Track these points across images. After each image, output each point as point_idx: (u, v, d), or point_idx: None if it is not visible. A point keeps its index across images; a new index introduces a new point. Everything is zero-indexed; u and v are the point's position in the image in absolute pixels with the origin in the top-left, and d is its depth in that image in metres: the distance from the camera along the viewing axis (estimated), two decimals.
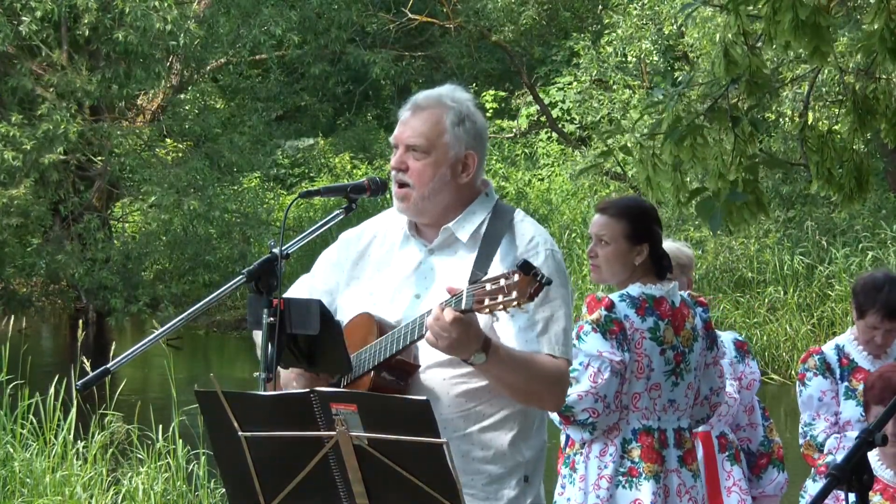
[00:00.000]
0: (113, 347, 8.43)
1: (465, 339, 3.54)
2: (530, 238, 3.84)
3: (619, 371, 5.00)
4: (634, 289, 5.10)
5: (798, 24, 4.38)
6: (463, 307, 3.49)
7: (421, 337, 3.63)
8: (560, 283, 3.81)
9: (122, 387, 8.13)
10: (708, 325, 5.21)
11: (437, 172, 3.84)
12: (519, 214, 3.92)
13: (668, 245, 5.58)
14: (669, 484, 5.06)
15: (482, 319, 3.71)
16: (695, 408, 5.18)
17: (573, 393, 4.97)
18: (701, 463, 5.44)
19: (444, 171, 3.85)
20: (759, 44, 4.82)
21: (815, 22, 4.41)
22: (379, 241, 4.02)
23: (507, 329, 3.76)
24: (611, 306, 5.04)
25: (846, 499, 2.92)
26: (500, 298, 3.42)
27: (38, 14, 19.64)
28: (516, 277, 3.40)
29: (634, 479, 5.05)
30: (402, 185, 3.86)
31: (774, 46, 4.60)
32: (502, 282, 3.43)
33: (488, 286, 3.45)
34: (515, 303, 3.40)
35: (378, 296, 3.91)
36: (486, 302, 3.44)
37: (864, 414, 5.35)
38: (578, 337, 5.04)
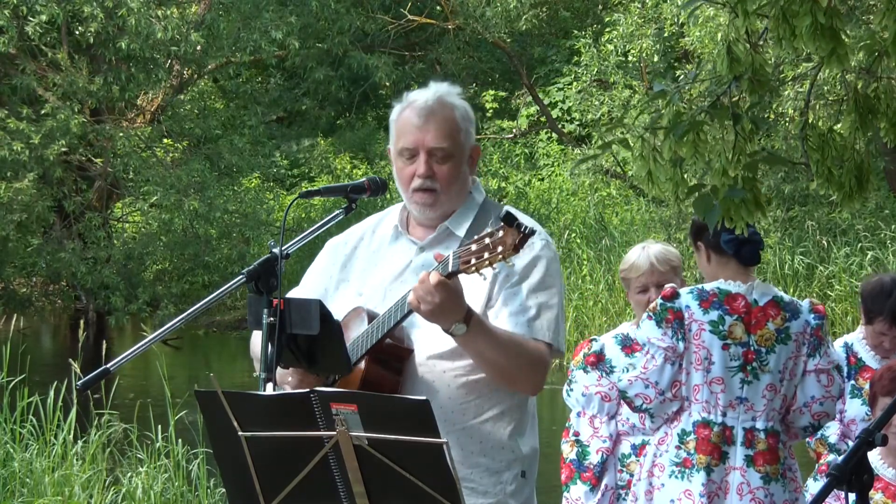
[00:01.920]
0: (104, 348, 8.40)
1: (448, 305, 3.56)
2: None
3: (672, 359, 5.09)
4: (712, 284, 5.17)
5: (817, 27, 4.38)
6: (450, 269, 3.51)
7: (409, 313, 3.64)
8: (555, 273, 3.86)
9: (119, 387, 8.13)
10: (816, 331, 5.16)
11: (460, 171, 3.89)
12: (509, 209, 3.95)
13: (655, 248, 5.62)
14: (731, 480, 5.09)
15: (477, 303, 3.73)
16: (793, 415, 5.16)
17: (625, 378, 5.14)
18: None
19: (464, 168, 3.91)
20: (762, 41, 4.82)
21: (833, 26, 4.41)
22: (366, 243, 4.04)
23: (500, 312, 3.79)
24: (671, 296, 5.13)
25: (846, 499, 2.92)
26: (486, 255, 3.44)
27: (44, 17, 19.69)
28: (500, 233, 3.42)
29: (687, 470, 5.12)
30: (428, 190, 3.87)
31: (784, 48, 4.59)
32: (487, 240, 3.45)
33: (473, 246, 3.47)
34: (501, 257, 3.42)
35: (368, 296, 3.92)
36: (473, 262, 3.46)
37: (870, 408, 5.36)
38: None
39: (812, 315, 5.18)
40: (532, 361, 3.78)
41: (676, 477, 5.13)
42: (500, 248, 3.42)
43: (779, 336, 5.12)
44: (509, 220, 3.40)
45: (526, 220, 3.90)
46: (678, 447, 5.14)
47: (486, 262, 3.44)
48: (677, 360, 5.11)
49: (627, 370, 5.14)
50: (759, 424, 5.12)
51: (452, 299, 3.56)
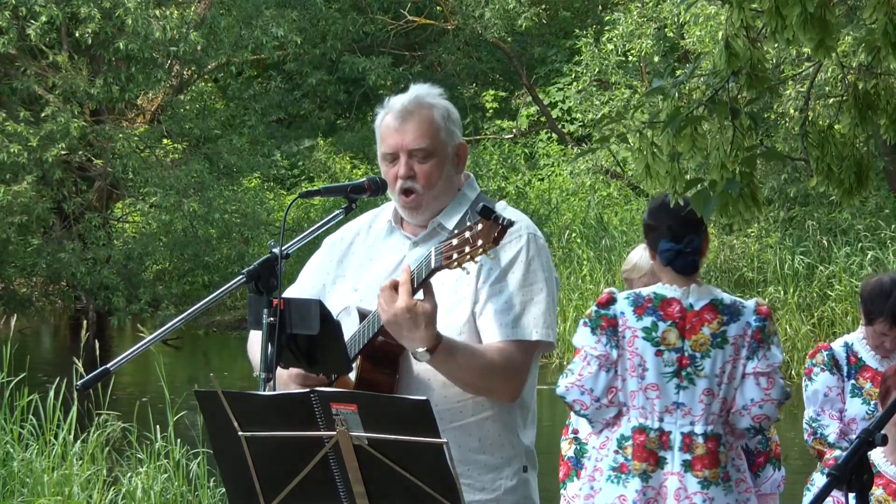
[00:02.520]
0: (103, 348, 8.39)
1: (411, 325, 3.56)
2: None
3: (606, 366, 5.09)
4: (649, 288, 5.17)
5: (806, 17, 4.38)
6: (433, 265, 3.52)
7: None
8: (541, 268, 3.84)
9: (116, 386, 8.13)
10: (756, 333, 5.13)
11: (442, 171, 3.88)
12: (501, 205, 3.94)
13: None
14: (669, 486, 5.08)
15: (465, 304, 3.72)
16: (733, 417, 5.14)
17: (562, 384, 5.14)
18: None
19: (447, 166, 3.90)
20: (761, 37, 4.83)
21: (822, 16, 4.41)
22: (362, 238, 4.05)
23: (485, 310, 3.77)
24: (606, 303, 5.12)
25: (846, 499, 2.92)
26: (467, 249, 3.44)
27: (43, 19, 19.71)
28: (479, 226, 3.42)
29: (623, 476, 5.11)
30: (410, 191, 3.87)
31: (777, 44, 4.59)
32: (466, 233, 3.45)
33: (454, 241, 3.48)
34: (482, 250, 3.43)
35: (363, 292, 3.93)
36: (455, 256, 3.46)
37: (879, 403, 5.35)
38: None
39: (755, 317, 5.15)
40: (505, 374, 3.76)
41: (613, 482, 5.12)
42: (480, 242, 3.42)
43: (714, 340, 5.09)
44: (486, 213, 3.41)
45: (513, 215, 3.90)
46: (616, 452, 5.14)
47: (468, 257, 3.45)
48: (612, 367, 5.11)
49: (567, 375, 5.15)
50: (698, 429, 5.09)
51: (416, 324, 3.56)
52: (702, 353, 5.08)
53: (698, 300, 5.13)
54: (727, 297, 5.19)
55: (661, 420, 5.09)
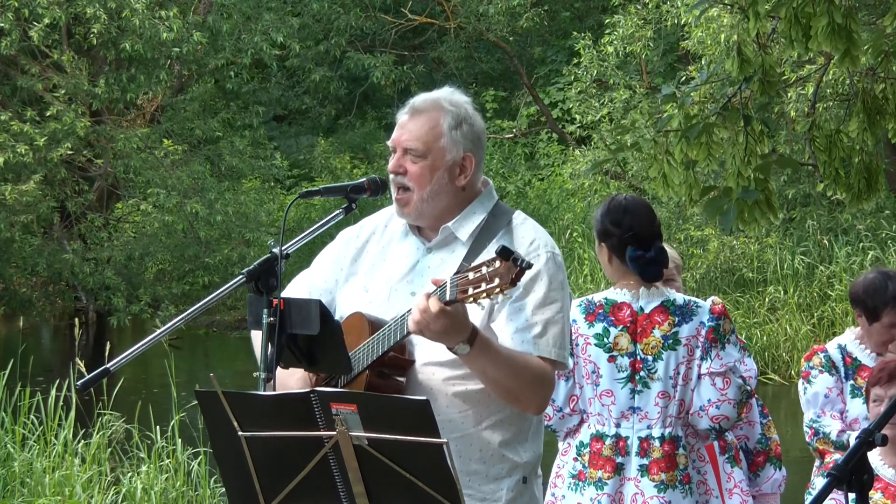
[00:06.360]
0: (108, 348, 8.39)
1: (451, 330, 3.54)
2: (531, 241, 3.84)
3: (565, 375, 5.08)
4: (601, 294, 5.16)
5: (833, 27, 4.39)
6: (448, 298, 3.49)
7: (408, 334, 3.63)
8: (559, 287, 3.82)
9: (120, 386, 8.12)
10: (709, 333, 5.10)
11: (434, 175, 3.84)
12: (519, 216, 3.91)
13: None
14: (625, 492, 5.08)
15: (477, 317, 3.71)
16: (692, 418, 5.12)
17: None
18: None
19: (441, 173, 3.85)
20: (770, 42, 4.83)
21: (848, 26, 4.42)
22: (377, 237, 4.03)
23: (503, 329, 3.76)
24: None
25: (846, 499, 2.92)
26: (483, 286, 3.42)
27: (46, 21, 19.73)
28: (497, 264, 3.39)
29: (581, 483, 5.13)
30: (400, 188, 3.86)
31: (795, 48, 4.59)
32: (484, 269, 3.42)
33: (471, 275, 3.45)
34: (498, 289, 3.40)
35: (374, 293, 3.91)
36: (470, 291, 3.44)
37: (865, 401, 5.38)
38: None
39: (708, 316, 5.10)
40: (536, 381, 3.74)
41: (572, 489, 5.13)
42: (497, 281, 3.39)
43: (665, 343, 5.07)
44: (505, 253, 3.37)
45: (532, 228, 3.88)
46: (575, 459, 5.15)
47: (484, 294, 3.42)
48: (570, 376, 5.12)
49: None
50: (655, 432, 5.08)
51: (454, 324, 3.54)
52: (654, 357, 5.07)
53: (649, 303, 5.10)
54: (680, 298, 5.13)
55: (617, 426, 5.09)
